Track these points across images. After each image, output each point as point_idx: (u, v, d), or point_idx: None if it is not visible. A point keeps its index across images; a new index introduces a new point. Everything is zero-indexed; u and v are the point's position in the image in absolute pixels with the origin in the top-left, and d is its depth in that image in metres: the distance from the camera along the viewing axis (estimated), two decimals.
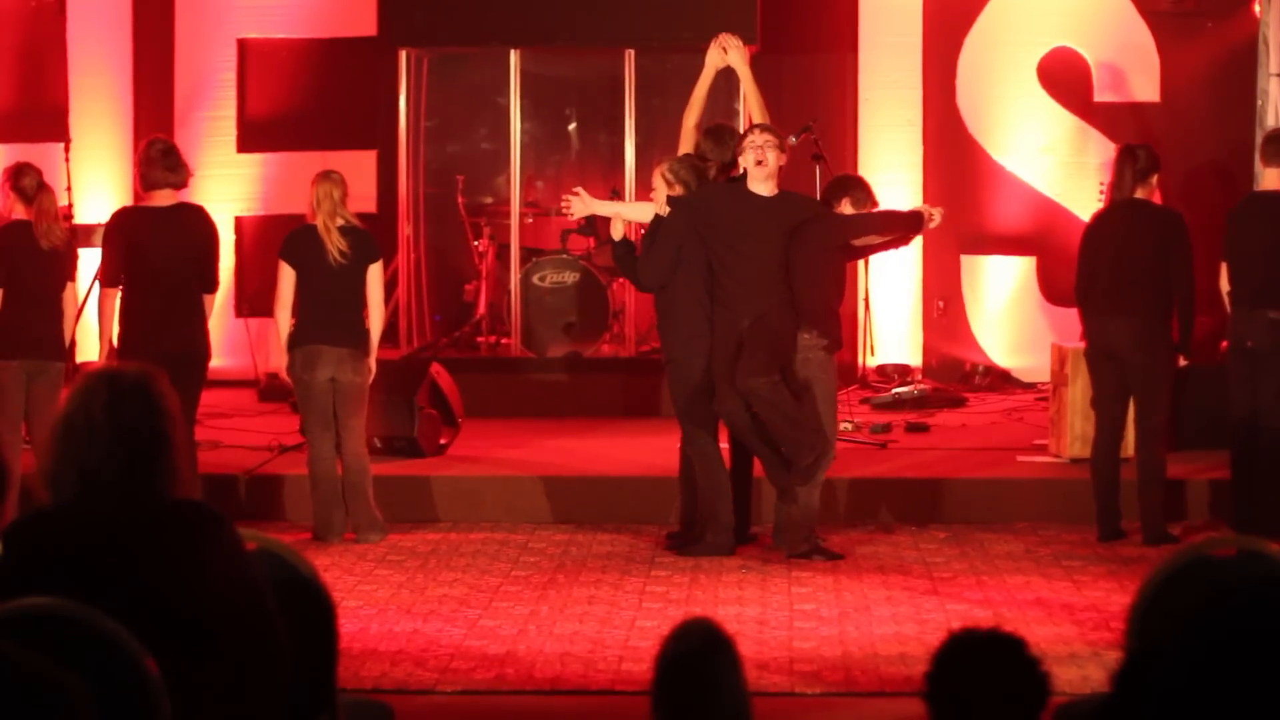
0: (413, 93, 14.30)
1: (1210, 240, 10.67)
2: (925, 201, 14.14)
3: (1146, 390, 9.92)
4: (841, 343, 9.95)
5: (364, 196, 12.99)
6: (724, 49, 10.34)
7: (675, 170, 9.77)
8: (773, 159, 9.55)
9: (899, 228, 10.06)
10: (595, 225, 13.48)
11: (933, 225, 10.08)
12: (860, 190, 10.06)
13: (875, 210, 10.30)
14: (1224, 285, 10.26)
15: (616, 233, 9.91)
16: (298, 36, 14.82)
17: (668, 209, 9.63)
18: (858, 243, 10.03)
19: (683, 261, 9.61)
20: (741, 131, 10.27)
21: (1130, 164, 10.02)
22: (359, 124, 14.69)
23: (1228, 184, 13.56)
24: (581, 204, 10.08)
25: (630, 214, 10.31)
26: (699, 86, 10.34)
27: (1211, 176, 14.06)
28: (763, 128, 9.70)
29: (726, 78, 10.57)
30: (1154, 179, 10.06)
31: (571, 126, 15.27)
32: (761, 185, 9.55)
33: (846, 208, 9.91)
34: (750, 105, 10.38)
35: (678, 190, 9.70)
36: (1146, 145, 10.34)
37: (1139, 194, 10.02)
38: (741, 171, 9.71)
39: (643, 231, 10.60)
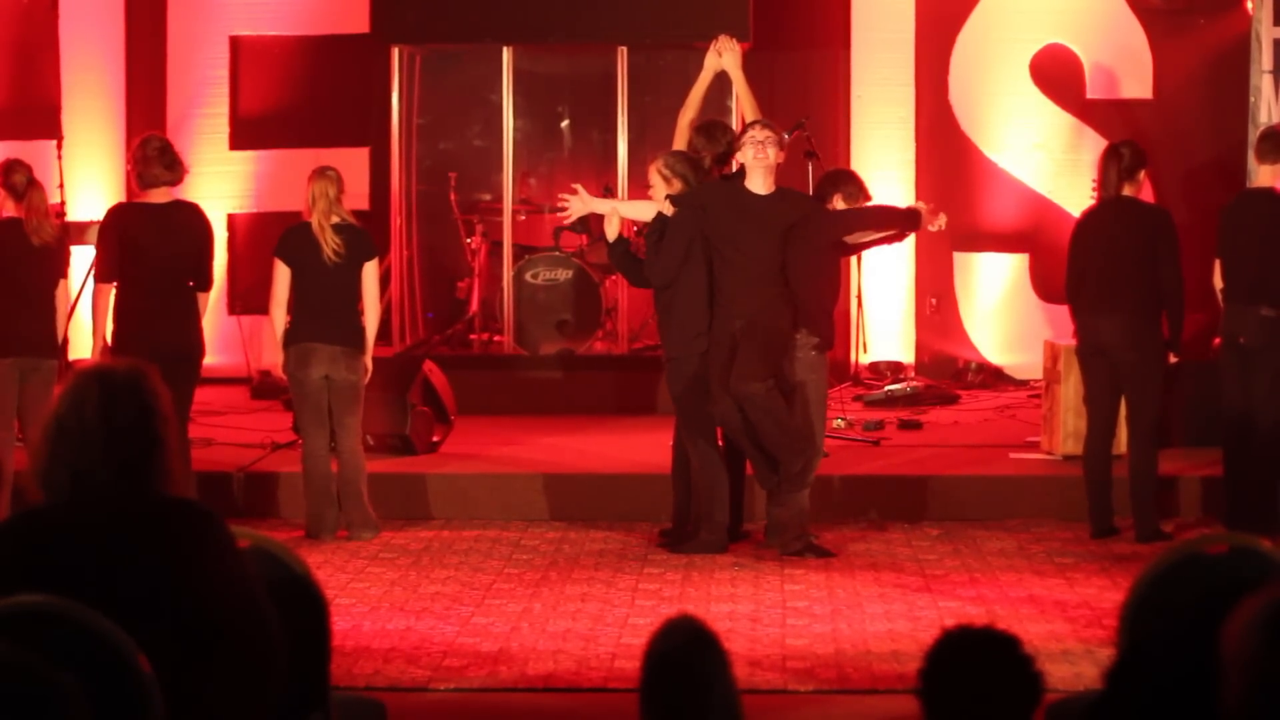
0: (405, 90, 14.30)
1: (1204, 237, 10.67)
2: (919, 199, 14.17)
3: (1138, 387, 9.93)
4: (833, 343, 9.96)
5: (357, 194, 12.99)
6: (719, 51, 10.37)
7: (671, 165, 9.77)
8: (772, 154, 9.56)
9: (895, 224, 10.05)
10: (588, 222, 13.48)
11: (933, 229, 10.10)
12: (852, 185, 10.07)
13: (872, 205, 10.31)
14: (1218, 282, 10.27)
15: (611, 232, 9.89)
16: (290, 34, 14.82)
17: (672, 207, 9.62)
18: (850, 239, 10.04)
19: (687, 259, 9.61)
20: (735, 128, 10.26)
21: (1115, 162, 10.02)
22: (352, 121, 14.69)
23: (1220, 181, 13.57)
24: (580, 203, 10.07)
25: (628, 211, 10.30)
26: (696, 87, 10.36)
27: (1204, 173, 14.07)
28: (763, 124, 9.71)
29: (720, 78, 10.57)
30: (1141, 175, 10.05)
31: (564, 124, 15.27)
32: (760, 182, 9.55)
33: (839, 203, 9.92)
34: (743, 108, 10.37)
35: (675, 185, 9.69)
36: (1131, 142, 10.33)
37: (1126, 191, 10.02)
38: (737, 167, 9.71)
39: (635, 229, 10.62)
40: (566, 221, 10.93)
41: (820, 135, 13.18)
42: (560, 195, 10.33)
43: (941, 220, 9.98)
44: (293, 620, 4.41)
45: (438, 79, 14.79)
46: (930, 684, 3.43)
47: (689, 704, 3.41)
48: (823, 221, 9.76)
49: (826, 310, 9.80)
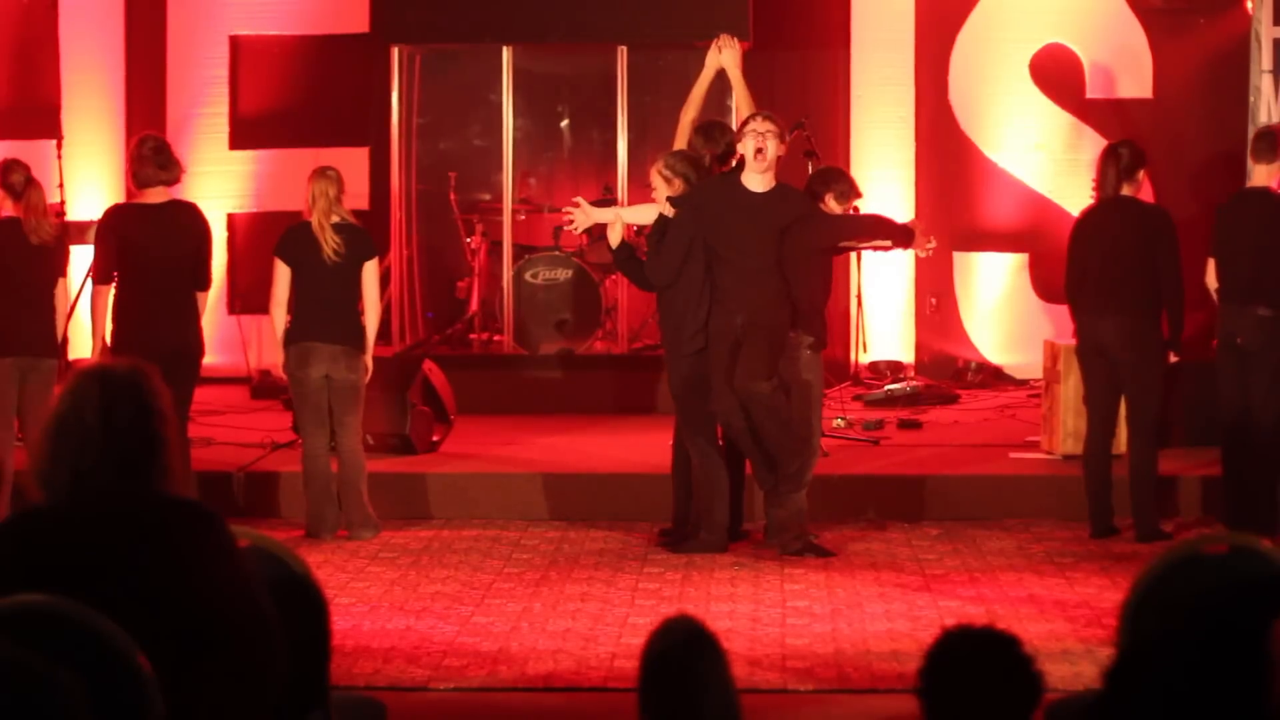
0: (405, 89, 14.30)
1: (1204, 237, 10.66)
2: (918, 207, 14.20)
3: (1137, 387, 9.93)
4: (827, 341, 9.96)
5: (356, 194, 12.99)
6: (719, 49, 10.38)
7: (672, 165, 9.77)
8: (773, 148, 9.54)
9: (888, 236, 10.06)
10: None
11: (922, 254, 10.14)
12: (844, 183, 10.09)
13: (869, 214, 10.34)
14: (1210, 281, 10.25)
15: (615, 238, 9.89)
16: (290, 33, 14.82)
17: (673, 210, 9.62)
18: (843, 243, 10.07)
19: (687, 259, 9.61)
20: (735, 127, 10.26)
21: (1114, 163, 10.02)
22: (351, 121, 14.69)
23: (1220, 181, 13.54)
24: (584, 215, 10.07)
25: (630, 217, 10.29)
26: (698, 86, 10.37)
27: (1204, 173, 14.06)
28: (765, 115, 9.68)
29: (721, 77, 10.58)
30: (1140, 175, 10.05)
31: (564, 123, 15.27)
32: (757, 178, 9.54)
33: (831, 202, 9.93)
34: (740, 107, 10.37)
35: (677, 185, 9.70)
36: (1130, 142, 10.33)
37: (1125, 191, 10.02)
38: (738, 159, 9.71)
39: (635, 229, 10.62)
40: (574, 232, 10.94)
41: (820, 135, 13.16)
42: (564, 210, 10.31)
43: (931, 244, 10.02)
44: (293, 620, 4.41)
45: (437, 78, 14.78)
46: (930, 684, 3.44)
47: (686, 703, 3.42)
48: (819, 225, 9.76)
49: (818, 309, 9.80)
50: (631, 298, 13.69)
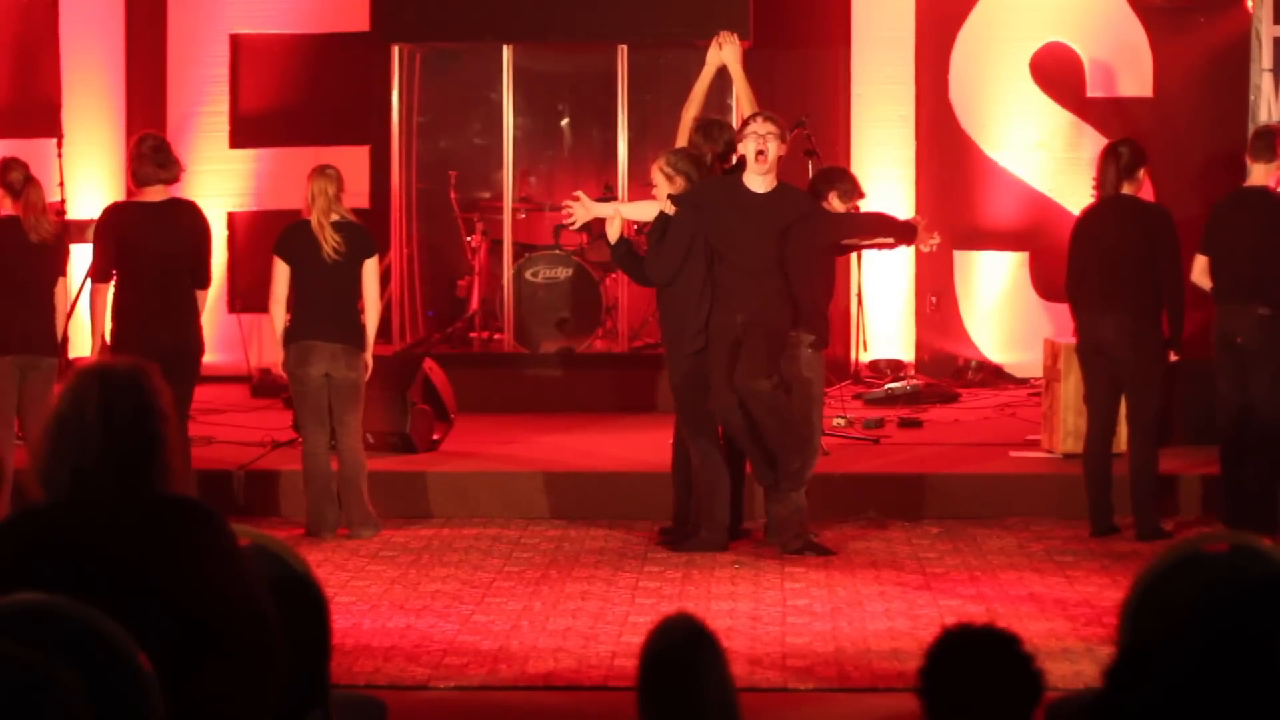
0: (405, 88, 14.31)
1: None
2: (919, 205, 14.19)
3: (1137, 386, 9.93)
4: (829, 341, 9.96)
5: (357, 192, 12.99)
6: (720, 44, 10.39)
7: (673, 163, 9.77)
8: (773, 150, 9.54)
9: (890, 233, 10.06)
10: (589, 222, 13.46)
11: (925, 249, 10.14)
12: (846, 182, 10.08)
13: (871, 212, 10.34)
14: (1200, 279, 10.21)
15: (613, 234, 9.88)
16: (290, 32, 14.83)
17: (674, 208, 9.62)
18: (846, 241, 10.07)
19: (688, 257, 9.61)
20: (735, 125, 10.27)
21: (1114, 162, 10.02)
22: (352, 119, 14.69)
23: (1221, 179, 13.52)
24: (583, 209, 10.06)
25: (630, 213, 10.30)
26: (699, 82, 10.37)
27: (1204, 172, 14.06)
28: (766, 116, 9.67)
29: (722, 74, 10.58)
30: (1140, 174, 10.04)
31: (564, 122, 15.27)
32: (759, 178, 9.54)
33: (834, 200, 9.92)
34: (741, 103, 10.38)
35: (678, 182, 9.70)
36: (1130, 140, 10.32)
37: (1125, 190, 10.01)
38: (738, 159, 9.70)
39: (635, 227, 10.61)
40: (572, 228, 10.95)
41: (821, 134, 13.16)
42: (564, 203, 10.30)
43: (935, 240, 10.01)
44: (293, 618, 4.41)
45: (438, 77, 14.79)
46: (930, 682, 3.43)
47: (684, 701, 3.41)
48: (820, 224, 9.76)
49: (820, 308, 9.80)
50: (632, 296, 13.70)
